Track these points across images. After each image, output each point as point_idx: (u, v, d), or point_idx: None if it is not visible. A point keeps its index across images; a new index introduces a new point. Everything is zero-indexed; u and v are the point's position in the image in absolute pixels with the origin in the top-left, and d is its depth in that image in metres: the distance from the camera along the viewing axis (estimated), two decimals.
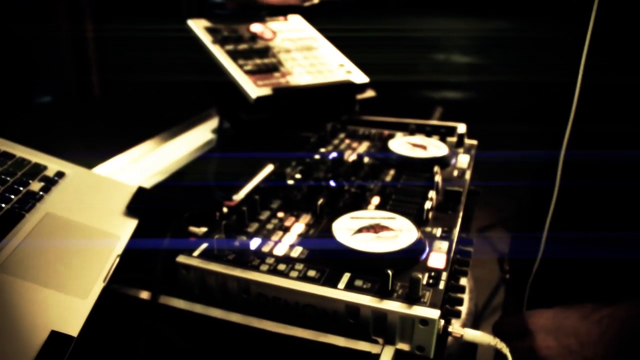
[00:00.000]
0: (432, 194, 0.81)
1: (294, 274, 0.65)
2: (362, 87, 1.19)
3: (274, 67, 1.12)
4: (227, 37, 1.15)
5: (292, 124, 1.18)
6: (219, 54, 1.09)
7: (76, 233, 0.73)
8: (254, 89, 1.03)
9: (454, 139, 1.08)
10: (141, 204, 0.83)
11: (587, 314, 0.80)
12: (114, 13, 1.69)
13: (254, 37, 1.20)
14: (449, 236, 0.74)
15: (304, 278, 0.64)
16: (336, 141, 1.10)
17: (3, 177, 0.75)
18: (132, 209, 0.82)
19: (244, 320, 0.64)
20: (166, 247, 0.73)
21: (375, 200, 0.85)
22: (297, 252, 0.70)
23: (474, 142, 1.09)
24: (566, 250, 0.90)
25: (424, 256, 0.68)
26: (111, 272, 0.69)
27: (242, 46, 1.15)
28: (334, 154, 1.00)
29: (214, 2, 1.24)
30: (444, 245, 0.71)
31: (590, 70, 0.88)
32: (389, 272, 0.61)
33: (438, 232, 0.75)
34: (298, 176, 0.92)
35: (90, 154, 1.07)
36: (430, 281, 0.64)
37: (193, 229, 0.80)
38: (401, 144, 1.02)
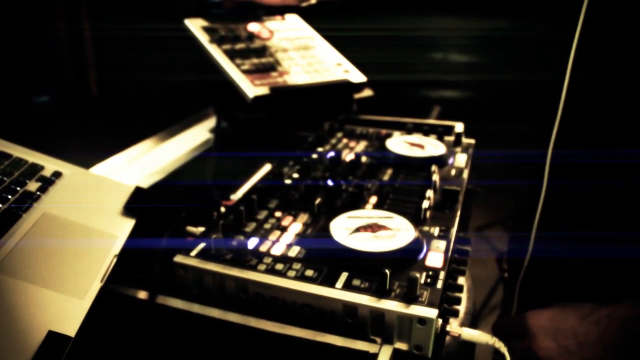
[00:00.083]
0: (429, 193, 0.81)
1: (291, 273, 0.65)
2: (360, 86, 1.18)
3: (272, 67, 1.12)
4: (224, 36, 1.14)
5: (289, 124, 1.18)
6: (216, 53, 1.09)
7: (73, 233, 0.73)
8: (252, 89, 1.03)
9: (451, 138, 1.08)
10: (138, 203, 0.83)
11: (585, 315, 0.80)
12: (112, 12, 1.69)
13: (251, 37, 1.19)
14: (446, 235, 0.74)
15: (301, 277, 0.64)
16: (334, 140, 1.10)
17: (0, 177, 0.75)
18: (129, 209, 0.82)
19: (241, 320, 0.64)
20: (164, 247, 0.73)
21: (373, 199, 0.84)
22: (294, 251, 0.70)
23: (472, 141, 1.09)
24: (562, 249, 0.90)
25: (421, 255, 0.68)
26: (108, 272, 0.69)
27: (240, 45, 1.15)
28: (331, 154, 1.00)
29: (212, 1, 1.24)
30: (441, 244, 0.71)
31: (588, 69, 0.88)
32: (387, 271, 0.61)
33: (436, 231, 0.75)
34: (295, 175, 0.92)
35: (88, 153, 1.07)
36: (428, 280, 0.64)
37: (190, 228, 0.80)
38: (399, 143, 1.02)
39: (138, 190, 0.86)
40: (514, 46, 2.81)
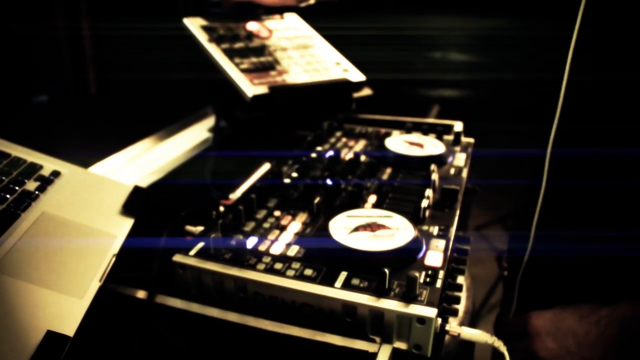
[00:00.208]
0: (429, 192, 0.81)
1: (290, 272, 0.65)
2: (359, 85, 1.18)
3: (270, 66, 1.12)
4: (223, 35, 1.14)
5: (288, 123, 1.18)
6: (215, 52, 1.09)
7: (72, 232, 0.73)
8: (251, 88, 1.03)
9: (450, 137, 1.08)
10: (137, 203, 0.83)
11: (585, 315, 0.80)
12: (111, 12, 1.69)
13: (250, 36, 1.19)
14: (446, 234, 0.74)
15: (300, 277, 0.64)
16: (333, 139, 1.10)
17: None
18: (128, 208, 0.82)
19: (240, 319, 0.64)
20: (162, 246, 0.73)
21: (372, 198, 0.84)
22: (293, 250, 0.70)
23: (471, 140, 1.09)
24: (560, 248, 0.90)
25: (421, 254, 0.68)
26: (107, 271, 0.69)
27: (239, 45, 1.15)
28: (330, 153, 1.00)
29: (211, 0, 1.23)
30: (441, 243, 0.71)
31: (587, 69, 0.88)
32: (386, 270, 0.61)
33: (435, 230, 0.75)
34: (295, 175, 0.92)
35: (87, 152, 1.07)
36: (428, 280, 0.64)
37: (189, 228, 0.80)
38: (398, 142, 1.02)
39: (137, 190, 0.86)
40: (513, 45, 2.81)
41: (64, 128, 1.42)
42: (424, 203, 0.78)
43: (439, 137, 1.07)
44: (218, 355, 0.66)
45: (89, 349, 0.60)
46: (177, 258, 0.68)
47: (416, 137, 1.06)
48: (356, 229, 0.72)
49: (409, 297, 0.60)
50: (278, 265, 0.66)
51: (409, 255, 0.68)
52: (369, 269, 0.64)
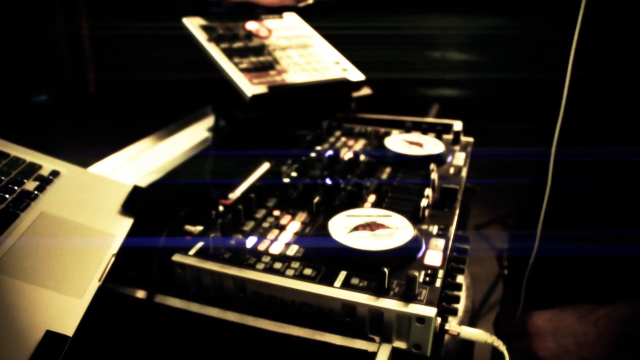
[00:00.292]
0: (428, 191, 0.81)
1: (290, 272, 0.65)
2: (358, 85, 1.18)
3: (270, 65, 1.12)
4: (222, 35, 1.14)
5: (288, 122, 1.18)
6: (214, 52, 1.09)
7: (71, 232, 0.73)
8: (250, 87, 1.03)
9: (450, 137, 1.08)
10: (137, 202, 0.83)
11: (583, 315, 0.80)
12: (110, 11, 1.69)
13: (250, 35, 1.19)
14: (445, 234, 0.74)
15: (300, 276, 0.64)
16: (332, 139, 1.10)
17: None
18: (127, 208, 0.82)
19: (240, 319, 0.64)
20: (162, 246, 0.73)
21: (372, 198, 0.84)
22: (293, 250, 0.70)
23: (470, 139, 1.09)
24: (563, 247, 0.90)
25: (420, 254, 0.68)
26: (107, 271, 0.69)
27: (238, 44, 1.15)
28: (330, 152, 1.00)
29: (210, 0, 1.23)
30: (440, 242, 0.71)
31: (588, 68, 0.88)
32: (385, 270, 0.61)
33: (434, 229, 0.75)
34: (294, 174, 0.92)
35: (86, 152, 1.07)
36: (427, 279, 0.64)
37: (189, 227, 0.80)
38: (397, 142, 1.02)
39: (136, 189, 0.86)
40: (512, 45, 2.81)
41: (63, 128, 1.43)
42: (424, 202, 0.78)
43: (439, 137, 1.07)
44: (217, 355, 0.66)
45: (88, 348, 0.60)
46: (177, 258, 0.68)
47: (415, 136, 1.06)
48: (355, 229, 0.71)
49: (408, 296, 0.60)
50: (277, 265, 0.66)
51: (408, 254, 0.68)
52: (369, 268, 0.64)
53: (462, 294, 0.76)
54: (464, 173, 0.94)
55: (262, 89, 1.03)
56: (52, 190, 0.78)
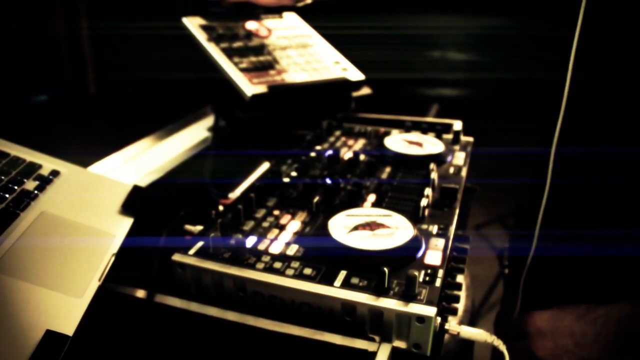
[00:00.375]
0: (428, 191, 0.81)
1: (290, 272, 0.65)
2: (358, 85, 1.18)
3: (270, 65, 1.12)
4: (222, 34, 1.14)
5: (287, 122, 1.18)
6: (214, 51, 1.09)
7: (71, 232, 0.73)
8: (250, 87, 1.03)
9: (450, 136, 1.08)
10: (137, 202, 0.83)
11: (582, 315, 0.80)
12: (110, 11, 1.69)
13: (249, 35, 1.19)
14: (445, 233, 0.74)
15: (300, 276, 0.64)
16: (332, 139, 1.10)
17: None
18: (127, 208, 0.82)
19: (240, 318, 0.64)
20: (162, 246, 0.73)
21: (371, 197, 0.84)
22: (293, 250, 0.70)
23: (470, 139, 1.09)
24: (563, 247, 0.90)
25: (420, 253, 0.68)
26: (106, 270, 0.69)
27: (237, 44, 1.15)
28: (329, 152, 1.00)
29: (209, 0, 1.23)
30: (440, 242, 0.71)
31: (589, 68, 0.88)
32: (385, 269, 0.61)
33: (434, 229, 0.75)
34: (294, 174, 0.92)
35: (86, 152, 1.07)
36: (427, 279, 0.64)
37: (189, 227, 0.80)
38: (397, 141, 1.02)
39: (136, 189, 0.86)
40: (512, 44, 2.81)
41: (63, 128, 1.42)
42: (424, 202, 0.78)
43: (438, 136, 1.07)
44: (217, 355, 0.66)
45: (88, 348, 0.60)
46: (177, 257, 0.68)
47: (415, 136, 1.06)
48: (355, 228, 0.71)
49: (408, 296, 0.60)
50: (277, 265, 0.66)
51: (408, 254, 0.68)
52: (369, 268, 0.64)
53: (462, 294, 0.76)
54: (463, 173, 0.94)
55: (262, 89, 1.03)
56: (52, 190, 0.78)
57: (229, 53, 1.10)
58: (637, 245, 0.79)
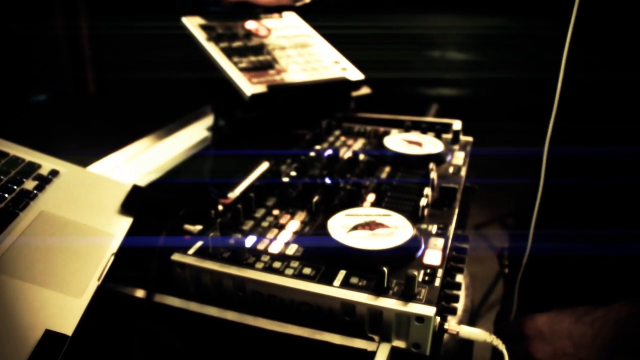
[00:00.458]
0: (427, 190, 0.81)
1: (289, 271, 0.65)
2: (358, 84, 1.18)
3: (269, 65, 1.12)
4: (221, 34, 1.14)
5: (287, 122, 1.18)
6: (213, 51, 1.09)
7: (71, 231, 0.73)
8: (249, 87, 1.03)
9: (449, 136, 1.08)
10: (136, 202, 0.83)
11: (580, 317, 0.80)
12: (109, 11, 1.69)
13: (249, 35, 1.19)
14: (444, 233, 0.74)
15: (299, 276, 0.64)
16: (331, 138, 1.10)
17: None
18: (126, 207, 0.82)
19: (239, 318, 0.64)
20: (161, 245, 0.73)
21: (371, 197, 0.84)
22: (292, 249, 0.70)
23: (470, 139, 1.09)
24: (562, 246, 0.90)
25: (419, 253, 0.68)
26: (106, 270, 0.69)
27: (237, 43, 1.15)
28: (329, 151, 1.00)
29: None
30: (439, 242, 0.71)
31: (584, 68, 0.88)
32: (385, 269, 0.61)
33: (434, 229, 0.75)
34: (293, 174, 0.92)
35: (85, 152, 1.07)
36: (426, 278, 0.64)
37: (188, 227, 0.80)
38: (396, 141, 1.02)
39: (135, 189, 0.86)
40: (511, 44, 2.81)
41: (62, 127, 1.42)
42: (423, 202, 0.78)
43: (438, 136, 1.07)
44: (217, 355, 0.66)
45: (87, 348, 0.60)
46: (176, 257, 0.68)
47: (415, 135, 1.06)
48: (355, 228, 0.72)
49: (407, 295, 0.60)
50: (277, 264, 0.66)
51: (407, 253, 0.68)
52: (368, 267, 0.64)
53: (462, 293, 0.76)
54: (463, 172, 0.94)
55: (261, 88, 1.03)
56: (52, 190, 0.78)
57: (229, 53, 1.10)
58: (636, 245, 0.79)
